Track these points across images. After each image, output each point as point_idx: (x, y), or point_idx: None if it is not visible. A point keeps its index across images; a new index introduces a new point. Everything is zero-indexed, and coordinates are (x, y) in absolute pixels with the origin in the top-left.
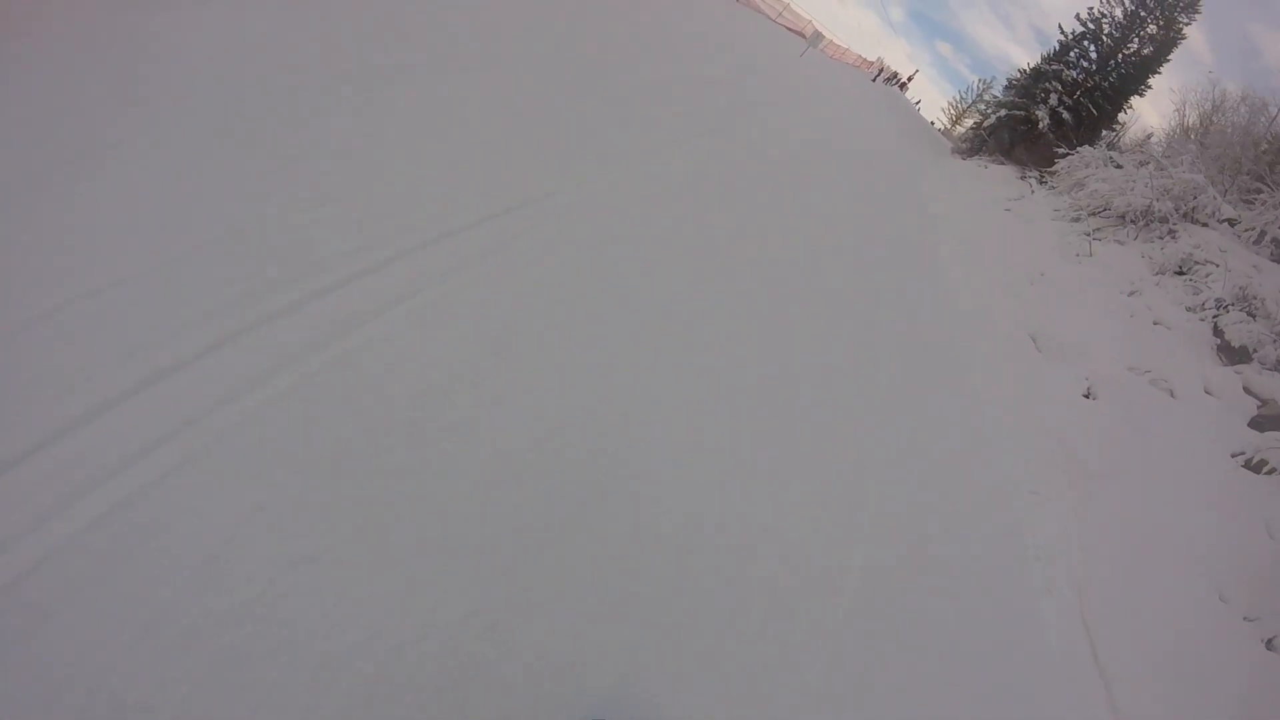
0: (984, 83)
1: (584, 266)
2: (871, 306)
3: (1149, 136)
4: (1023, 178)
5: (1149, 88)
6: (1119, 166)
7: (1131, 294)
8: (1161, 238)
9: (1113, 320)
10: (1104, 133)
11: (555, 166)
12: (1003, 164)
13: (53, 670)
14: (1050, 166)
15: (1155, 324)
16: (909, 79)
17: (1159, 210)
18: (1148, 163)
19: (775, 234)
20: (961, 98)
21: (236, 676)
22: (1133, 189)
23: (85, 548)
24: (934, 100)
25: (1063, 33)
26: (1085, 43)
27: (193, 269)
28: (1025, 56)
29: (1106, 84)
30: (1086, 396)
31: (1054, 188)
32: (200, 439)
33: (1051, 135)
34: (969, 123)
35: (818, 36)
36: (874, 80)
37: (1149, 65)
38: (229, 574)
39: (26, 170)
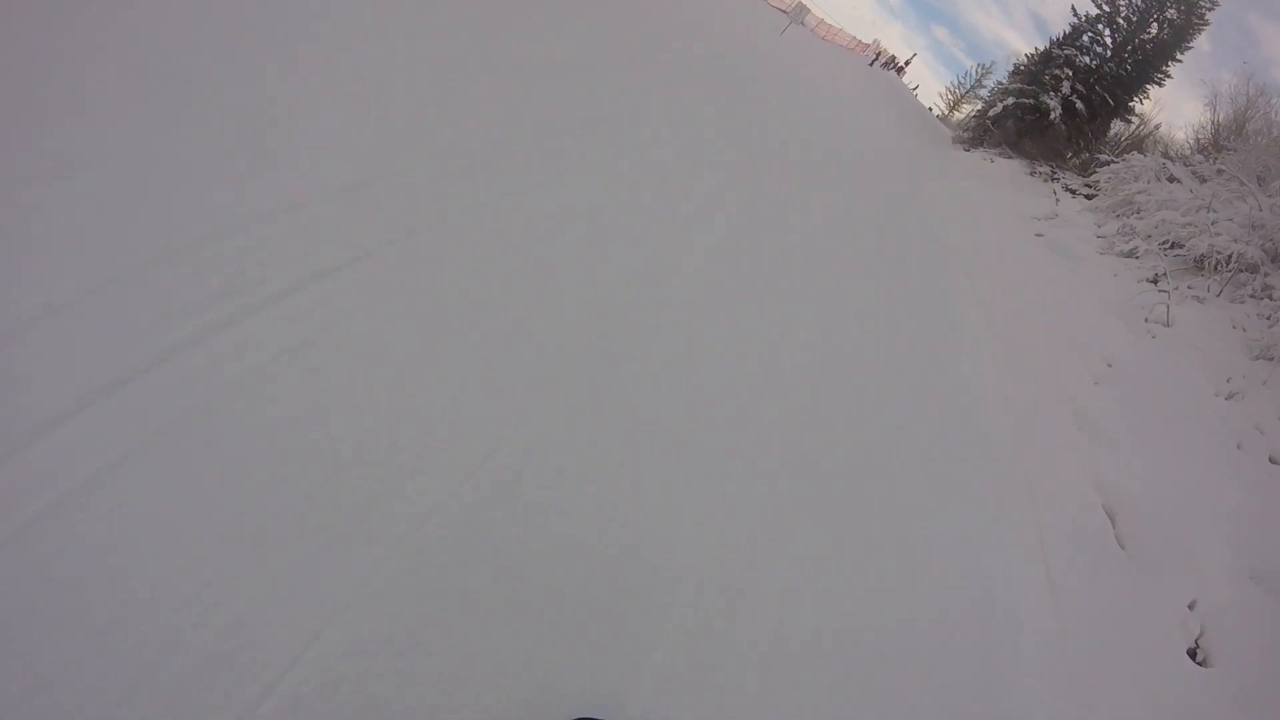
0: (982, 68)
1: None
2: (856, 459)
3: (1156, 127)
4: (1033, 173)
5: (1169, 77)
6: (1172, 179)
7: (1230, 398)
8: (1255, 295)
9: (1214, 456)
10: (1115, 122)
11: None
12: (1010, 157)
13: None
14: (1060, 160)
15: (1272, 462)
16: (906, 63)
17: (1249, 256)
18: (1204, 180)
19: (728, 302)
20: (959, 83)
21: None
22: (1215, 225)
23: None
24: (931, 85)
25: (1075, 14)
26: (1100, 26)
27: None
28: (1022, 41)
29: (1123, 71)
30: (1193, 656)
31: (1078, 193)
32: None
33: (1064, 126)
34: (967, 109)
35: (802, 9)
36: (871, 65)
37: (1166, 53)
38: None
39: None
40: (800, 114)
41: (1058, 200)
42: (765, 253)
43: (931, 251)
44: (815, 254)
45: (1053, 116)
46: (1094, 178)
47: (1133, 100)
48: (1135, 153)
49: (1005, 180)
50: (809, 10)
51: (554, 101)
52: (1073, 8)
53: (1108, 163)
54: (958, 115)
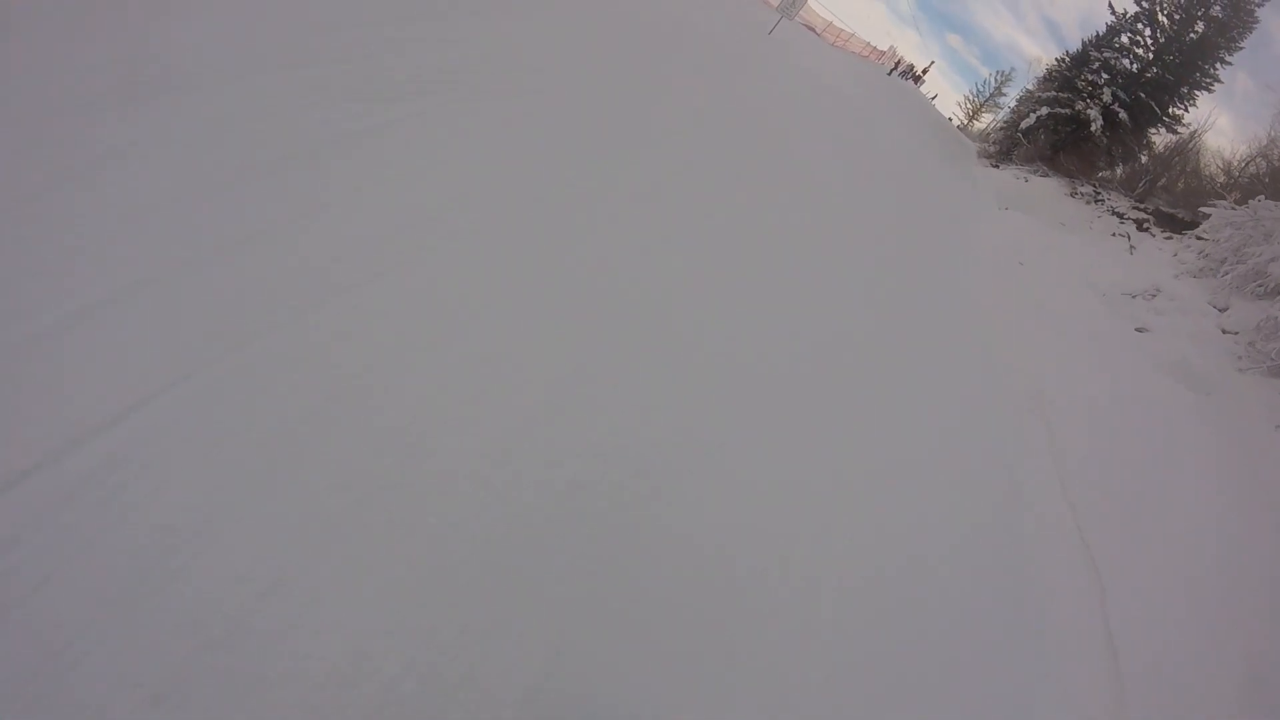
0: (1002, 74)
1: None
2: None
3: (1194, 134)
4: (1074, 194)
5: (1218, 80)
6: None
7: None
8: None
9: None
10: (1159, 130)
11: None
12: (1046, 175)
13: None
14: (1094, 172)
15: None
16: (924, 71)
17: None
18: None
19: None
20: (978, 91)
21: None
22: None
23: None
24: (947, 94)
25: (1113, 12)
26: (1140, 25)
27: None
28: (1036, 47)
29: (1170, 77)
30: None
31: (1128, 217)
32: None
33: (1105, 138)
34: (987, 118)
35: (793, 1)
36: (890, 74)
37: (1212, 54)
38: None
39: (20, 177)
40: (811, 137)
41: (1132, 247)
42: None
43: (993, 407)
44: (797, 449)
45: (1093, 127)
46: (1144, 194)
47: (1179, 108)
48: (1261, 197)
49: (1049, 206)
50: (805, 1)
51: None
52: (1110, 5)
53: (1152, 176)
54: (977, 124)
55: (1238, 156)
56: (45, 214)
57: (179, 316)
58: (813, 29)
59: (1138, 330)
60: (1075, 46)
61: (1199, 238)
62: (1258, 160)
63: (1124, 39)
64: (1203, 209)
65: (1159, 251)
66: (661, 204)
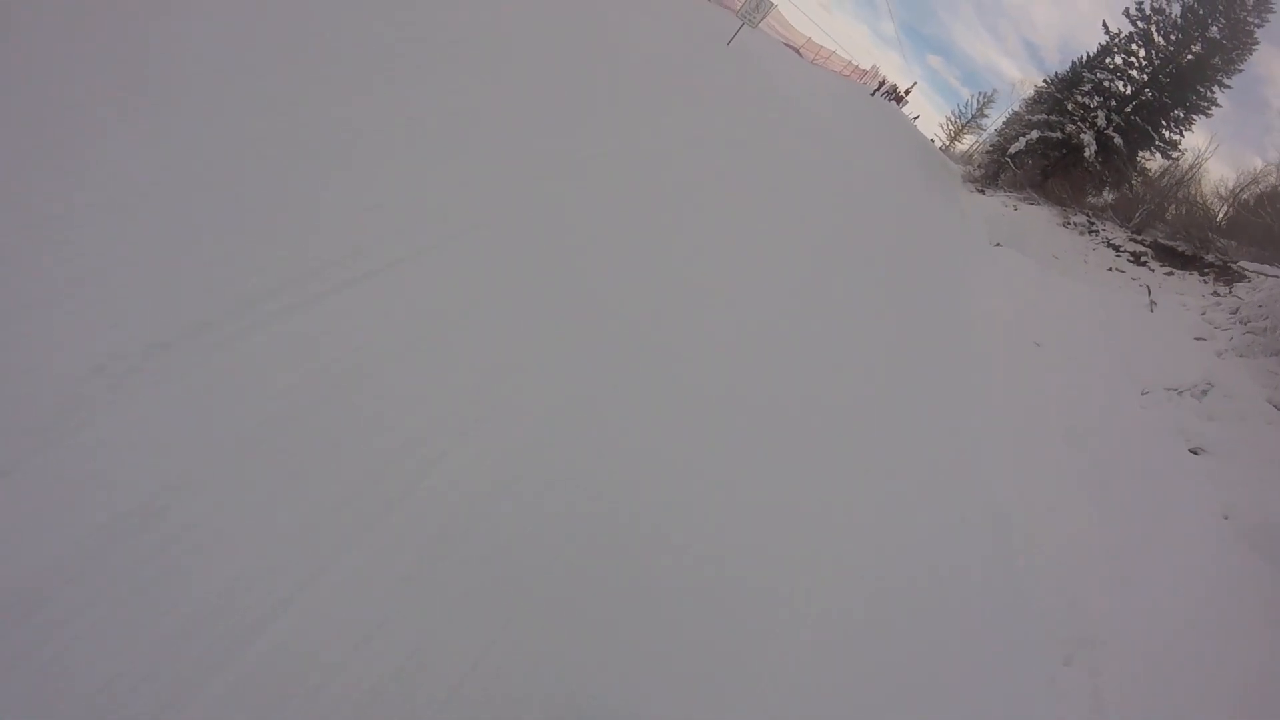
0: (984, 96)
1: None
2: None
3: (1198, 159)
4: (1067, 224)
5: (1216, 104)
6: None
7: None
8: None
9: None
10: (1153, 154)
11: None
12: (1035, 203)
13: None
14: (1082, 196)
15: None
16: (906, 92)
17: None
18: None
19: None
20: (960, 113)
21: None
22: None
23: None
24: (929, 114)
25: (1107, 32)
26: (1134, 45)
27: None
28: (1015, 68)
29: (1166, 99)
30: None
31: (1121, 250)
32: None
33: (1099, 164)
34: (969, 139)
35: (756, 7)
36: (873, 94)
37: (1209, 77)
38: None
39: (21, 162)
40: (796, 164)
41: (1153, 303)
42: None
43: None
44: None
45: (1087, 153)
46: (1141, 225)
47: (1174, 132)
48: None
49: (1041, 238)
50: (774, 6)
51: None
52: (1104, 24)
53: (1150, 206)
54: (959, 146)
55: (1239, 183)
56: (43, 212)
57: (178, 314)
58: (794, 47)
59: (1192, 452)
60: (1055, 69)
61: (1233, 294)
62: (1253, 186)
63: (1117, 60)
64: (1245, 265)
65: (1184, 309)
66: (658, 214)
